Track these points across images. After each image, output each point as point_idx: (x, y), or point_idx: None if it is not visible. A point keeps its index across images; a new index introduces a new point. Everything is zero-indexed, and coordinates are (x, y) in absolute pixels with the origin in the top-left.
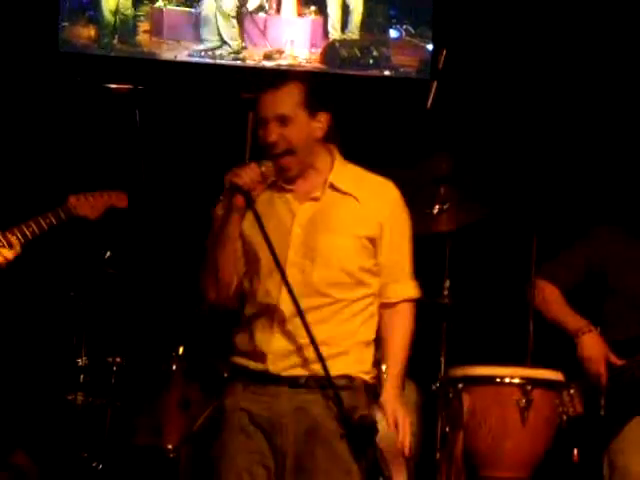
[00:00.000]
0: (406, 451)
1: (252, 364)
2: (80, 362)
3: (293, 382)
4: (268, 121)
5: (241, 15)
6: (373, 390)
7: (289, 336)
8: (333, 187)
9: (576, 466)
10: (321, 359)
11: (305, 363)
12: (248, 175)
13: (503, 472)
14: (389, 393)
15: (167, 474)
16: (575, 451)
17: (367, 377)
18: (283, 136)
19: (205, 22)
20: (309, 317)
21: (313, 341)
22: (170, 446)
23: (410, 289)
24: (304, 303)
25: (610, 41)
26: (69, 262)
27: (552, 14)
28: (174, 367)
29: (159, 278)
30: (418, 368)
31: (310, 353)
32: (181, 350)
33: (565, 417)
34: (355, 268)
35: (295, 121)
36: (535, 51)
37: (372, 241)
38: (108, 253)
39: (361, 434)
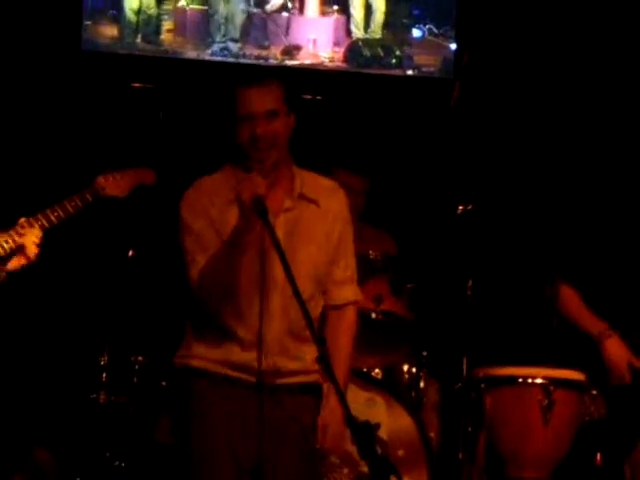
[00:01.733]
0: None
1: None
2: (102, 361)
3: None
4: (256, 116)
5: (264, 14)
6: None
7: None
8: (302, 196)
9: (599, 470)
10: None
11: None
12: (262, 185)
13: (525, 472)
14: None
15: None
16: (598, 455)
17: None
18: (270, 131)
19: (227, 21)
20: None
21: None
22: None
23: (355, 292)
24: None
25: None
26: (93, 256)
27: (576, 13)
28: None
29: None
30: (441, 368)
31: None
32: None
33: (587, 417)
34: (326, 278)
35: (281, 115)
36: (559, 50)
37: (334, 246)
38: (131, 252)
39: (365, 433)
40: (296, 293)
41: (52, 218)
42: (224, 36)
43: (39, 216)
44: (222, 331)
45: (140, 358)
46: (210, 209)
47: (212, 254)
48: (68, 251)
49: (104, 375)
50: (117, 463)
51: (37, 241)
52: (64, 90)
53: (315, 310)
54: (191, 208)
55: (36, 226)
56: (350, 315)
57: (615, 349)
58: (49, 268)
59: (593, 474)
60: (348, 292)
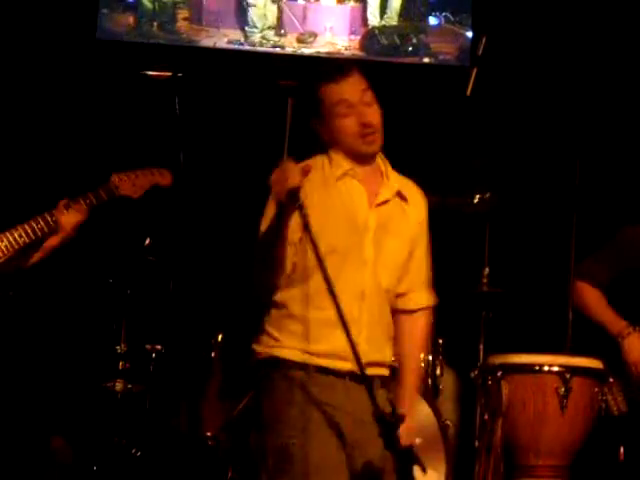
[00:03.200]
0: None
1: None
2: (119, 349)
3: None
4: (354, 104)
5: (280, 2)
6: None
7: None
8: (398, 192)
9: (622, 465)
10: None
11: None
12: (296, 175)
13: (542, 460)
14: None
15: (206, 462)
16: (621, 449)
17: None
18: (375, 115)
19: (244, 9)
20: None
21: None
22: (209, 434)
23: (429, 298)
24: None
25: None
26: (110, 245)
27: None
28: (213, 355)
29: (198, 265)
30: (457, 356)
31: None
32: (220, 338)
33: (607, 412)
34: (401, 279)
35: (376, 103)
36: (575, 36)
37: (411, 249)
38: (148, 240)
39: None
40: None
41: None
42: (240, 24)
43: (53, 212)
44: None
45: (157, 347)
46: (309, 191)
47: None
48: (85, 240)
49: (121, 364)
50: (134, 451)
51: (75, 220)
52: (80, 79)
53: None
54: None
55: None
56: (422, 321)
57: (634, 347)
58: (66, 256)
59: (616, 469)
60: (421, 298)
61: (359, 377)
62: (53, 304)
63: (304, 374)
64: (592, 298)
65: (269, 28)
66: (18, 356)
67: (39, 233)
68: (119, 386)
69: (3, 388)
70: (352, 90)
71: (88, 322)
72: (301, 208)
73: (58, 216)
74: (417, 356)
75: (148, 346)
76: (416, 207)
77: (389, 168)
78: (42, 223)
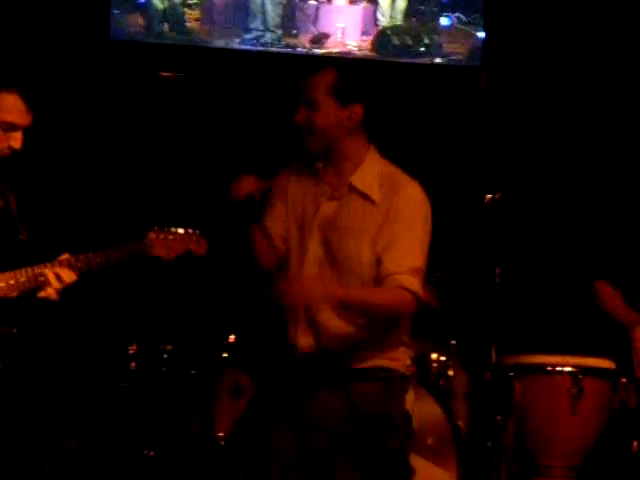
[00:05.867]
0: None
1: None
2: (131, 350)
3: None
4: (300, 103)
5: (292, 2)
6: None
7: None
8: (354, 188)
9: (636, 457)
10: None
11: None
12: (248, 184)
13: (554, 461)
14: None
15: (218, 462)
16: (635, 443)
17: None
18: (309, 119)
19: (255, 10)
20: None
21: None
22: (221, 434)
23: (415, 283)
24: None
25: None
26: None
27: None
28: (225, 355)
29: (210, 266)
30: (470, 357)
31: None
32: (232, 338)
33: (617, 406)
34: (370, 278)
35: (321, 107)
36: (588, 37)
37: (386, 242)
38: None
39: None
40: None
41: (92, 264)
42: (251, 25)
43: (81, 258)
44: None
45: (169, 347)
46: (289, 188)
47: None
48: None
49: (133, 364)
50: (145, 452)
51: (66, 282)
52: (93, 79)
53: None
54: (276, 182)
55: (74, 268)
56: (394, 289)
57: None
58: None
59: (630, 462)
60: (400, 279)
61: None
62: (65, 304)
63: None
64: (608, 292)
65: (281, 29)
66: (30, 356)
67: (29, 286)
68: (131, 386)
69: (15, 388)
70: (305, 88)
71: (100, 322)
72: (253, 218)
73: (47, 274)
74: (372, 291)
75: (160, 346)
76: (392, 201)
77: (365, 163)
78: (31, 275)
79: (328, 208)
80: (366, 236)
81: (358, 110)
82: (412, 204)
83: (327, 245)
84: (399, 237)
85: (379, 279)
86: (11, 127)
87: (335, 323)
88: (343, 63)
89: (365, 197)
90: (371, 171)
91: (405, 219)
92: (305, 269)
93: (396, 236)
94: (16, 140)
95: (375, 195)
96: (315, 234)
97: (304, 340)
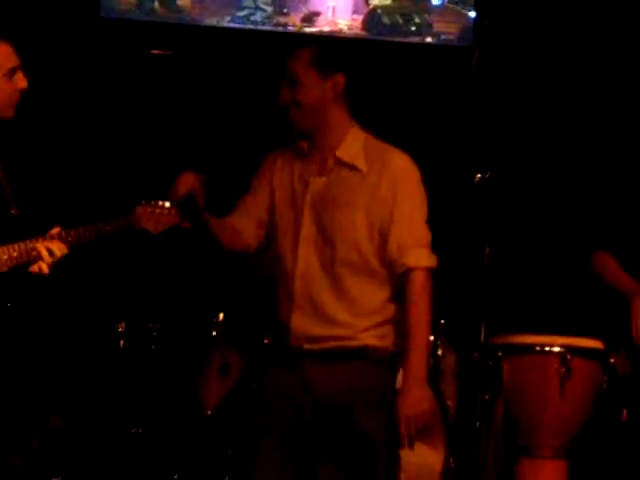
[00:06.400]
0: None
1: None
2: (120, 328)
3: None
4: (282, 83)
5: None
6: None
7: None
8: (340, 161)
9: (625, 426)
10: None
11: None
12: (186, 183)
13: (542, 440)
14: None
15: (206, 441)
16: (624, 411)
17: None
18: (293, 97)
19: None
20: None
21: None
22: (209, 412)
23: (418, 258)
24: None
25: None
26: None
27: None
28: (214, 334)
29: (199, 245)
30: (458, 336)
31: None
32: (221, 316)
33: (605, 386)
34: (367, 250)
35: (303, 81)
36: (580, 16)
37: (376, 218)
38: None
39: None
40: None
41: (83, 238)
42: (242, 3)
43: (71, 232)
44: None
45: (158, 325)
46: (275, 175)
47: None
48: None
49: (121, 342)
50: (134, 430)
51: (58, 255)
52: (83, 57)
53: (358, 277)
54: (262, 163)
55: (65, 242)
56: (412, 283)
57: None
58: None
59: (619, 430)
60: (407, 259)
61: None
62: (55, 280)
63: None
64: (610, 263)
65: (270, 6)
66: (19, 331)
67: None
68: (119, 364)
69: (3, 364)
70: (285, 66)
71: (89, 300)
72: (195, 216)
73: (39, 248)
74: (414, 328)
75: (149, 325)
76: (382, 172)
77: (349, 135)
78: (23, 250)
79: (317, 185)
80: (358, 206)
81: (340, 79)
82: (404, 175)
83: (320, 222)
84: (399, 214)
85: (387, 262)
86: (13, 71)
87: (334, 304)
88: (320, 38)
89: (352, 168)
90: (355, 143)
91: (401, 192)
92: (300, 249)
93: (396, 213)
94: (22, 80)
95: (362, 165)
96: (307, 212)
97: (299, 321)
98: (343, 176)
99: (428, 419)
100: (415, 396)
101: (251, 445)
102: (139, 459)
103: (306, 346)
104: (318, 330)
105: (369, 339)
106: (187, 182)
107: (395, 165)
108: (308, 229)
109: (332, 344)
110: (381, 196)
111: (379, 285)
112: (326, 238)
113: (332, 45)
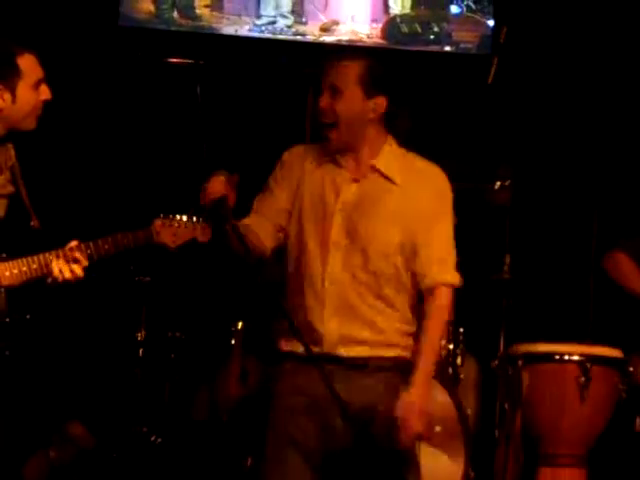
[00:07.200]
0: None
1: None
2: (139, 336)
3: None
4: (323, 89)
5: None
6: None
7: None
8: (376, 170)
9: (637, 435)
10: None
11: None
12: (217, 186)
13: (561, 449)
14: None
15: (225, 449)
16: (637, 420)
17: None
18: (332, 107)
19: None
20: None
21: None
22: (225, 417)
23: (442, 276)
24: (352, 285)
25: None
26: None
27: None
28: (233, 342)
29: (219, 254)
30: (478, 345)
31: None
32: (240, 325)
33: (624, 394)
34: (397, 261)
35: (347, 96)
36: (597, 25)
37: (411, 231)
38: None
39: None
40: None
41: (101, 251)
42: (261, 12)
43: (90, 244)
44: None
45: (177, 334)
46: (296, 173)
47: None
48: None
49: (141, 351)
50: (153, 439)
51: (68, 276)
52: (102, 66)
53: (388, 287)
54: (282, 164)
55: (83, 254)
56: (433, 300)
57: None
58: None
59: (632, 439)
60: (432, 277)
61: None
62: (74, 290)
63: None
64: (627, 267)
65: (290, 15)
66: (37, 341)
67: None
68: (139, 373)
69: (24, 375)
70: (329, 73)
71: (108, 309)
72: (226, 219)
73: (52, 266)
74: (430, 338)
75: (169, 333)
76: (417, 187)
77: (384, 149)
78: (38, 263)
79: (349, 192)
80: (392, 218)
81: (382, 102)
82: (446, 192)
83: (351, 229)
84: (438, 230)
85: (414, 275)
86: (38, 83)
87: (368, 310)
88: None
89: (386, 178)
90: (391, 156)
91: (442, 209)
92: (330, 257)
93: (435, 228)
94: (46, 92)
95: (397, 177)
96: (337, 220)
97: (334, 324)
98: (377, 186)
99: (428, 420)
100: (417, 399)
101: (272, 453)
102: (158, 467)
103: (341, 352)
104: (356, 333)
105: (401, 349)
106: (219, 183)
107: (437, 181)
108: (338, 236)
109: (368, 351)
110: (420, 210)
111: (408, 297)
112: (357, 246)
113: (381, 66)
